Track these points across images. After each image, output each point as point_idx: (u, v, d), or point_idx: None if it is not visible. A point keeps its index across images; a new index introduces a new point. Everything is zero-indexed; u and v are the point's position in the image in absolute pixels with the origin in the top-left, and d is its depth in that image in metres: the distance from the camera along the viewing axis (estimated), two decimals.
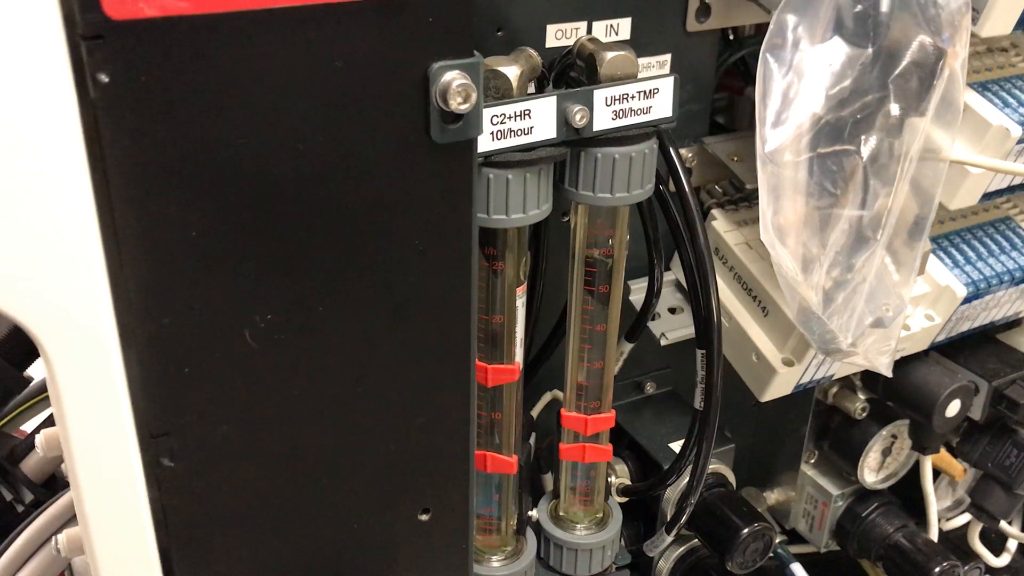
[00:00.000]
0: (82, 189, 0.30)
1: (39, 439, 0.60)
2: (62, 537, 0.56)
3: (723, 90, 0.70)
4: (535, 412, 0.61)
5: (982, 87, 0.59)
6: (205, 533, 0.39)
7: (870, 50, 0.48)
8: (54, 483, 0.76)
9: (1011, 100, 0.59)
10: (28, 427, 0.77)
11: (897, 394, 0.68)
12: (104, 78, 0.29)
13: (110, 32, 0.29)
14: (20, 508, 0.73)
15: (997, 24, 0.53)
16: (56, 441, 0.60)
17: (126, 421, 0.34)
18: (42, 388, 0.74)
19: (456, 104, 0.35)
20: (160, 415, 0.35)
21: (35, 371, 0.75)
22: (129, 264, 0.32)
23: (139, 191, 0.31)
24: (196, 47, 0.30)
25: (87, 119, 0.30)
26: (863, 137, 0.49)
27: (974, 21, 0.52)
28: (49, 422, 0.74)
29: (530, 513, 0.58)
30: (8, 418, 0.73)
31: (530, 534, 0.57)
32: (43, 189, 0.30)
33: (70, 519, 0.69)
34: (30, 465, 0.73)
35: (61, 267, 0.31)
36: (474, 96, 0.35)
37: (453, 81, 0.34)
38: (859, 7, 0.47)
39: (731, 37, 0.63)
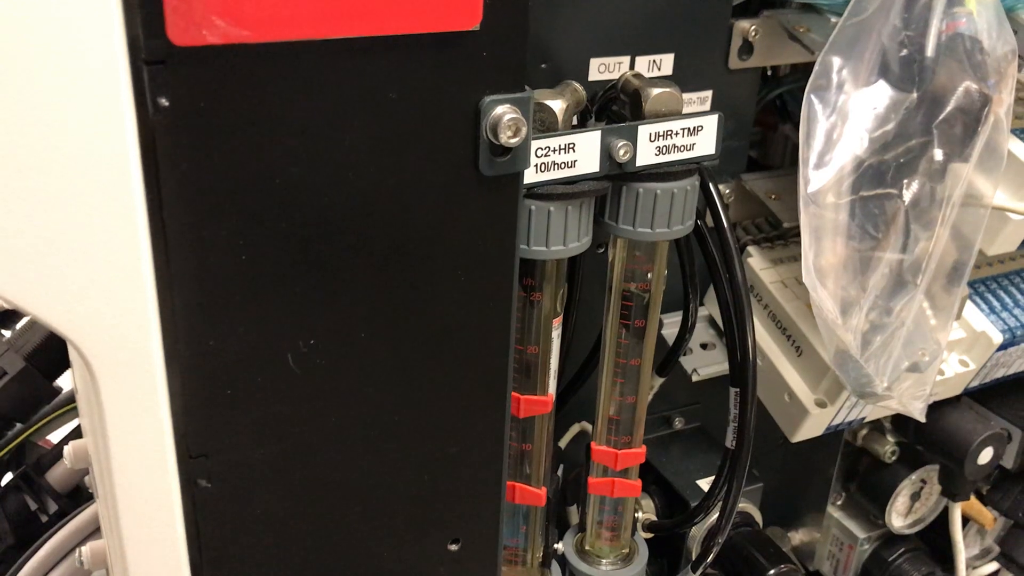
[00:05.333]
0: (136, 210, 0.31)
1: (67, 450, 0.60)
2: (86, 549, 0.56)
3: (758, 125, 0.70)
4: (563, 443, 0.61)
5: None
6: (237, 555, 0.38)
7: (915, 94, 0.48)
8: (78, 494, 0.76)
9: None
10: (54, 438, 0.77)
11: (929, 439, 0.67)
12: (164, 102, 0.30)
13: (172, 57, 0.29)
14: (44, 518, 0.73)
15: None
16: (84, 453, 0.60)
17: (167, 440, 0.34)
18: (70, 399, 0.75)
19: (506, 138, 0.35)
20: (200, 436, 0.35)
21: (63, 382, 0.75)
22: (178, 285, 0.32)
23: (192, 214, 0.32)
24: (255, 75, 0.31)
25: (145, 141, 0.30)
26: (905, 181, 0.49)
27: (1020, 68, 0.52)
28: (75, 434, 0.75)
29: (556, 546, 0.57)
30: (36, 427, 0.74)
31: (555, 567, 0.57)
32: (97, 208, 0.30)
33: (94, 531, 0.70)
34: (56, 475, 0.74)
35: (111, 285, 0.31)
36: (524, 130, 0.35)
37: (504, 115, 0.34)
38: (905, 51, 0.48)
39: (769, 74, 0.63)
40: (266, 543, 0.39)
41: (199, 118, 0.30)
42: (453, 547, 0.44)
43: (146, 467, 0.35)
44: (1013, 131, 0.59)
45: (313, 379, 0.36)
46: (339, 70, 0.32)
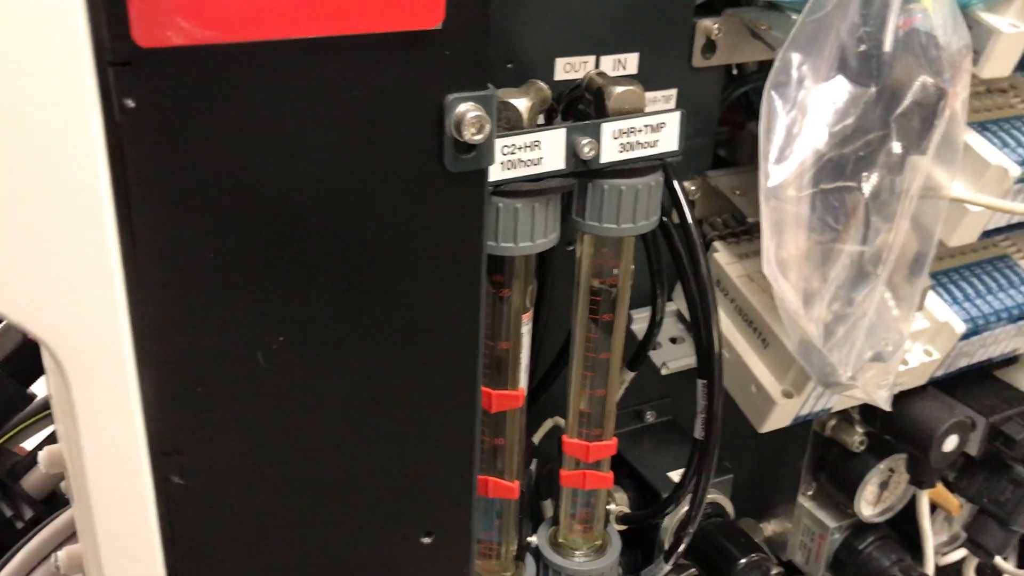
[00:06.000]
0: (105, 210, 0.31)
1: (42, 456, 0.60)
2: (62, 554, 0.56)
3: (724, 124, 0.71)
4: (536, 439, 0.62)
5: (982, 127, 0.60)
6: (211, 551, 0.39)
7: (873, 89, 0.49)
8: (54, 500, 0.76)
9: (1010, 140, 0.60)
10: (29, 444, 0.77)
11: (895, 428, 0.68)
12: (130, 103, 0.30)
13: (138, 59, 0.30)
14: (20, 525, 0.73)
15: (997, 66, 0.55)
16: (59, 458, 0.60)
17: (139, 437, 0.35)
18: (45, 405, 0.75)
19: (470, 135, 0.35)
20: (172, 433, 0.36)
21: (38, 388, 0.75)
22: (148, 284, 0.33)
23: (160, 214, 0.32)
24: (220, 75, 0.31)
25: (112, 142, 0.30)
26: (865, 174, 0.50)
27: (974, 63, 0.54)
28: (49, 440, 0.74)
29: (530, 539, 0.58)
30: (11, 434, 0.74)
31: (529, 560, 0.58)
32: (65, 210, 0.31)
33: (70, 536, 0.70)
34: (31, 482, 0.74)
35: (81, 285, 0.32)
36: (488, 127, 0.36)
37: (467, 112, 0.35)
38: (863, 47, 0.49)
39: (734, 73, 0.64)
40: (239, 538, 0.39)
41: (165, 119, 0.31)
42: (426, 540, 0.44)
43: (119, 464, 0.35)
44: (971, 125, 0.60)
45: (284, 375, 0.37)
46: (304, 69, 0.32)
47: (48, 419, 0.74)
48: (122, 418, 0.34)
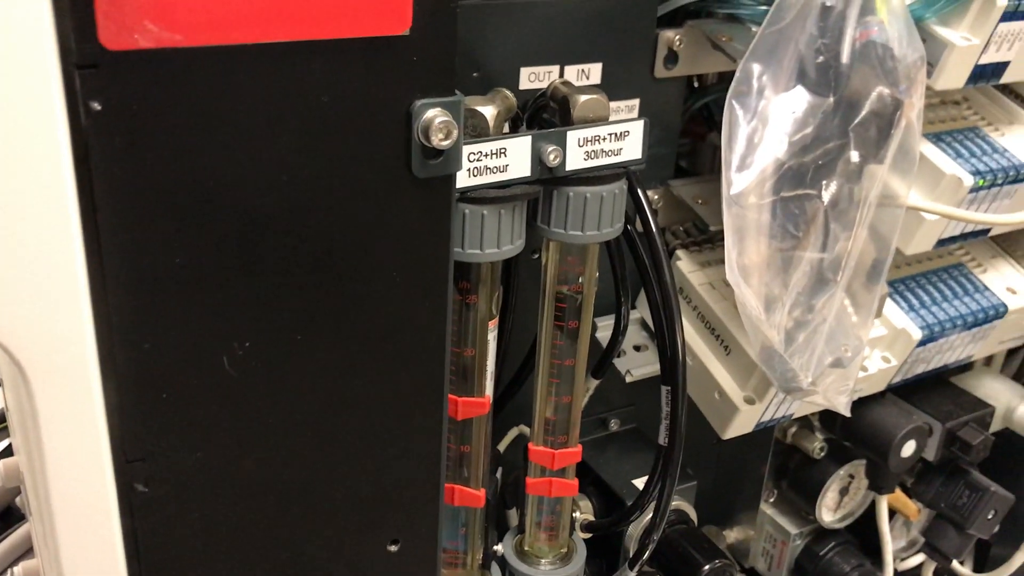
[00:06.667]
0: (70, 214, 0.31)
1: None
2: (18, 569, 0.55)
3: (687, 135, 0.72)
4: (502, 447, 0.62)
5: (936, 138, 0.62)
6: (177, 561, 0.38)
7: (831, 99, 0.50)
8: (9, 515, 0.75)
9: (963, 151, 0.62)
10: None
11: (854, 434, 0.69)
12: (96, 106, 0.30)
13: (104, 62, 0.30)
14: None
15: (950, 78, 0.56)
16: (15, 471, 0.59)
17: (103, 444, 0.34)
18: (0, 417, 0.73)
19: (438, 140, 0.36)
20: (136, 440, 0.35)
21: None
22: (112, 288, 0.33)
23: (125, 217, 0.32)
24: (188, 79, 0.31)
25: (78, 145, 0.30)
26: (824, 182, 0.51)
27: (929, 75, 0.55)
28: (6, 453, 0.73)
29: (495, 547, 0.58)
30: None
31: (495, 568, 0.58)
32: (30, 213, 0.30)
33: (26, 552, 0.68)
34: None
35: (45, 290, 0.31)
36: (455, 133, 0.36)
37: (435, 118, 0.35)
38: (821, 58, 0.50)
39: (696, 84, 0.65)
40: (205, 548, 0.39)
41: (132, 122, 0.31)
42: (392, 548, 0.44)
43: (82, 472, 0.34)
44: (926, 136, 0.61)
45: (249, 381, 0.37)
46: (271, 74, 0.32)
47: (4, 432, 0.73)
48: (86, 425, 0.34)
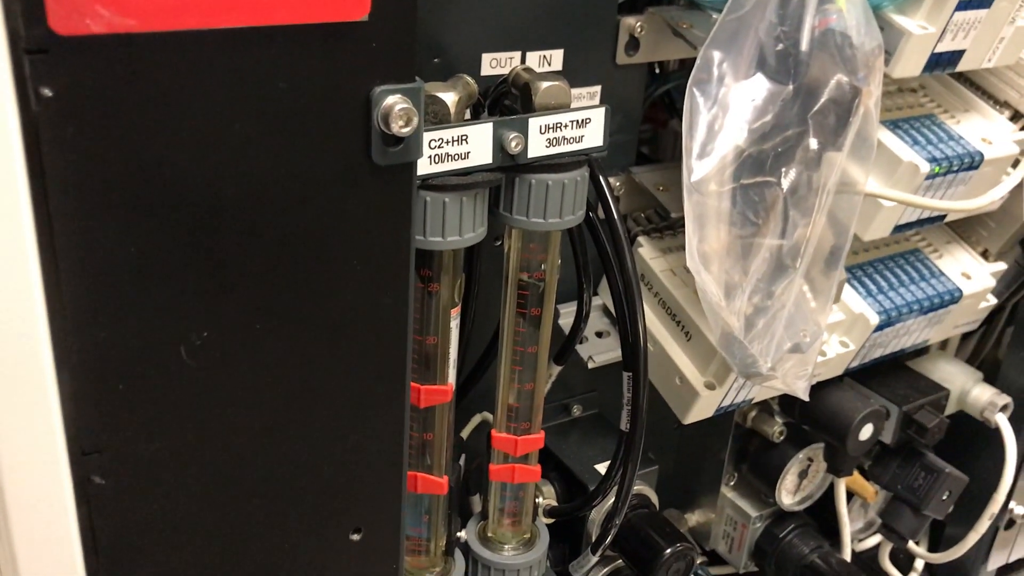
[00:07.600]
0: (21, 202, 0.30)
1: None
2: None
3: (648, 122, 0.72)
4: (465, 434, 0.62)
5: (894, 125, 0.63)
6: (135, 553, 0.38)
7: (791, 87, 0.50)
8: None
9: (920, 138, 0.62)
10: None
11: (813, 418, 0.70)
12: (47, 92, 0.29)
13: (55, 47, 0.29)
14: None
15: (907, 66, 0.57)
16: None
17: (58, 437, 0.34)
18: None
19: (398, 127, 0.35)
20: (92, 432, 0.35)
21: None
22: (66, 278, 0.32)
23: (79, 206, 0.31)
24: (141, 65, 0.31)
25: (28, 132, 0.30)
26: (783, 169, 0.51)
27: (886, 63, 0.55)
28: None
29: (459, 534, 0.58)
30: None
31: (458, 555, 0.58)
32: None
33: None
34: None
35: None
36: (415, 120, 0.36)
37: (395, 105, 0.35)
38: (780, 46, 0.50)
39: (657, 71, 0.65)
40: (164, 540, 0.38)
41: (84, 109, 0.30)
42: (355, 537, 0.44)
43: (37, 465, 0.34)
44: (884, 123, 0.62)
45: (207, 372, 0.36)
46: (227, 60, 0.32)
47: None
48: (40, 417, 0.33)
